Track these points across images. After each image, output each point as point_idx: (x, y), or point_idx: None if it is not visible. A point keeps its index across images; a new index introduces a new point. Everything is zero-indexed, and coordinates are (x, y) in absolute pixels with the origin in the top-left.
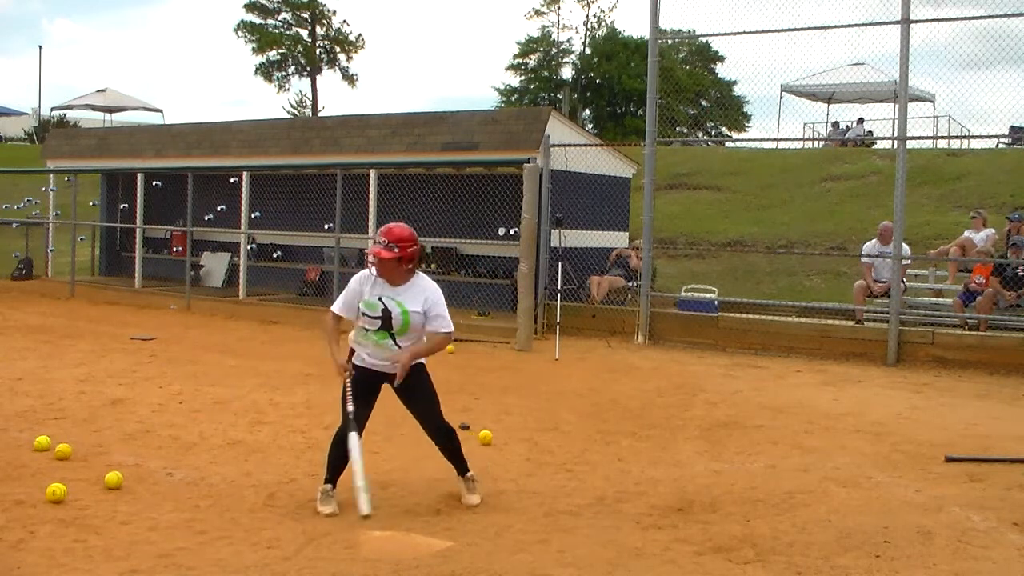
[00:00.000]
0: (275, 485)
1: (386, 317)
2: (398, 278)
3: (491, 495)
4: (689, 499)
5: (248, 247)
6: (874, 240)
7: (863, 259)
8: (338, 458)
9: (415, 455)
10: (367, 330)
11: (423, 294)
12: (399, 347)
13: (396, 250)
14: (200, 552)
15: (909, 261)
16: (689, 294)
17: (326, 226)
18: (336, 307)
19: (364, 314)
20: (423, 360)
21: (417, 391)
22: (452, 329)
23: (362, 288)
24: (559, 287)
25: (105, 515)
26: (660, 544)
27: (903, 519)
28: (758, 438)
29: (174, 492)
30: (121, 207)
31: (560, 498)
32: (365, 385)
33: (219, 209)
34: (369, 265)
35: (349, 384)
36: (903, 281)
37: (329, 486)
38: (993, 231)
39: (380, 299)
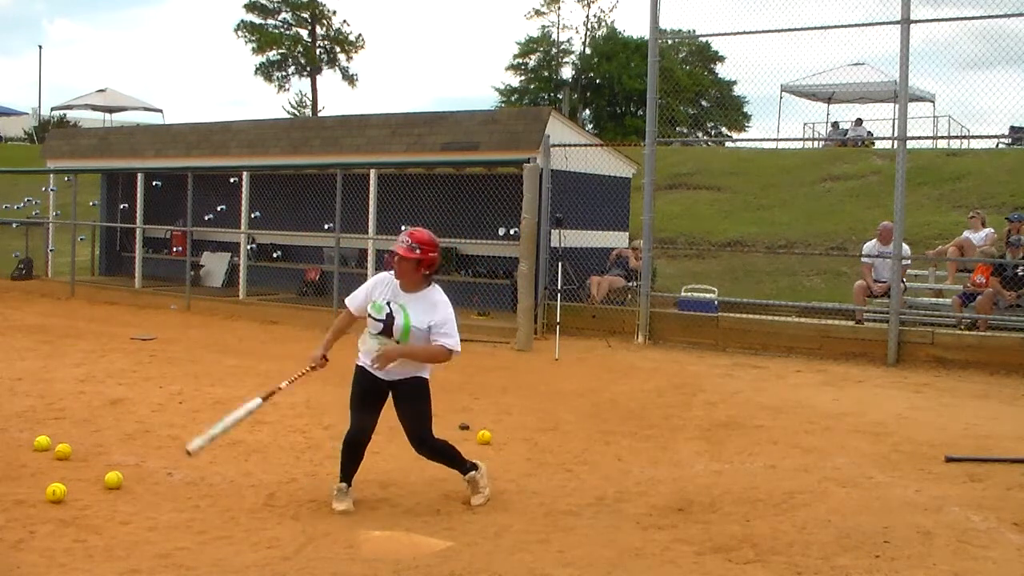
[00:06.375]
0: (275, 485)
1: (388, 323)
2: (413, 284)
3: (491, 495)
4: (689, 499)
5: (248, 247)
6: (874, 240)
7: (863, 259)
8: (349, 460)
9: (415, 455)
10: (371, 333)
11: (433, 310)
12: None
13: (418, 251)
14: (200, 552)
15: (909, 261)
16: (689, 294)
17: (326, 226)
18: (348, 299)
19: (370, 315)
20: (426, 375)
21: (409, 404)
22: (457, 349)
23: (375, 288)
24: (559, 287)
25: (105, 515)
26: (660, 544)
27: (903, 519)
28: (758, 438)
29: (174, 492)
30: (121, 207)
31: (560, 498)
32: (364, 388)
33: (219, 209)
34: (389, 267)
35: (303, 373)
36: (903, 281)
37: (344, 484)
38: (992, 231)
39: (388, 303)
